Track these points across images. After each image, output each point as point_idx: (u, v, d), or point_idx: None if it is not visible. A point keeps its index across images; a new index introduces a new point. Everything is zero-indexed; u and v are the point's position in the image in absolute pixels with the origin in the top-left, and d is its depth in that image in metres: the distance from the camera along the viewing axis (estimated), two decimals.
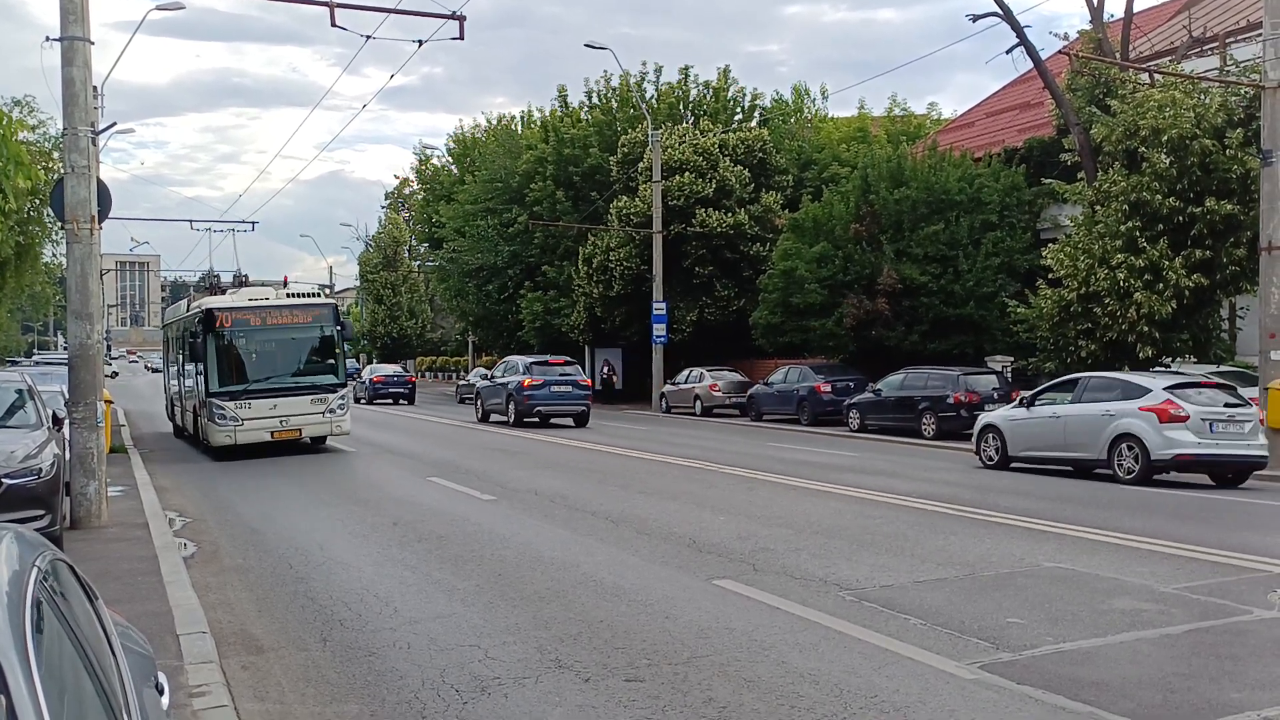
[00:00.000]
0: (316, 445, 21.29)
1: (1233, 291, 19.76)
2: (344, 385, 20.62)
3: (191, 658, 6.51)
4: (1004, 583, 8.67)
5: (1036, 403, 16.74)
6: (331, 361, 20.63)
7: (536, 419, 26.47)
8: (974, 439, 17.86)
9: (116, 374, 67.95)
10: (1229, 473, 15.24)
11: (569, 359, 29.32)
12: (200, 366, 20.04)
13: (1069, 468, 16.35)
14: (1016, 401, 17.58)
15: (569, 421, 27.04)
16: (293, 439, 20.13)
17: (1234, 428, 14.87)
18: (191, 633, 7.07)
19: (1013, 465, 17.03)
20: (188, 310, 23.42)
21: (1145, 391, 15.22)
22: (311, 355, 20.71)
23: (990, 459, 17.31)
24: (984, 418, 18.01)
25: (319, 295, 22.16)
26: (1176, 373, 17.05)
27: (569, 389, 26.44)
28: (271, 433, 19.53)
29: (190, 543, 11.21)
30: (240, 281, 24.34)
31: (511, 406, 26.63)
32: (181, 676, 6.04)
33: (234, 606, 8.35)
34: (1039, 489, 14.79)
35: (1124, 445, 15.12)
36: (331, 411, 20.00)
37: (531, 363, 26.98)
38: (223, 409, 19.17)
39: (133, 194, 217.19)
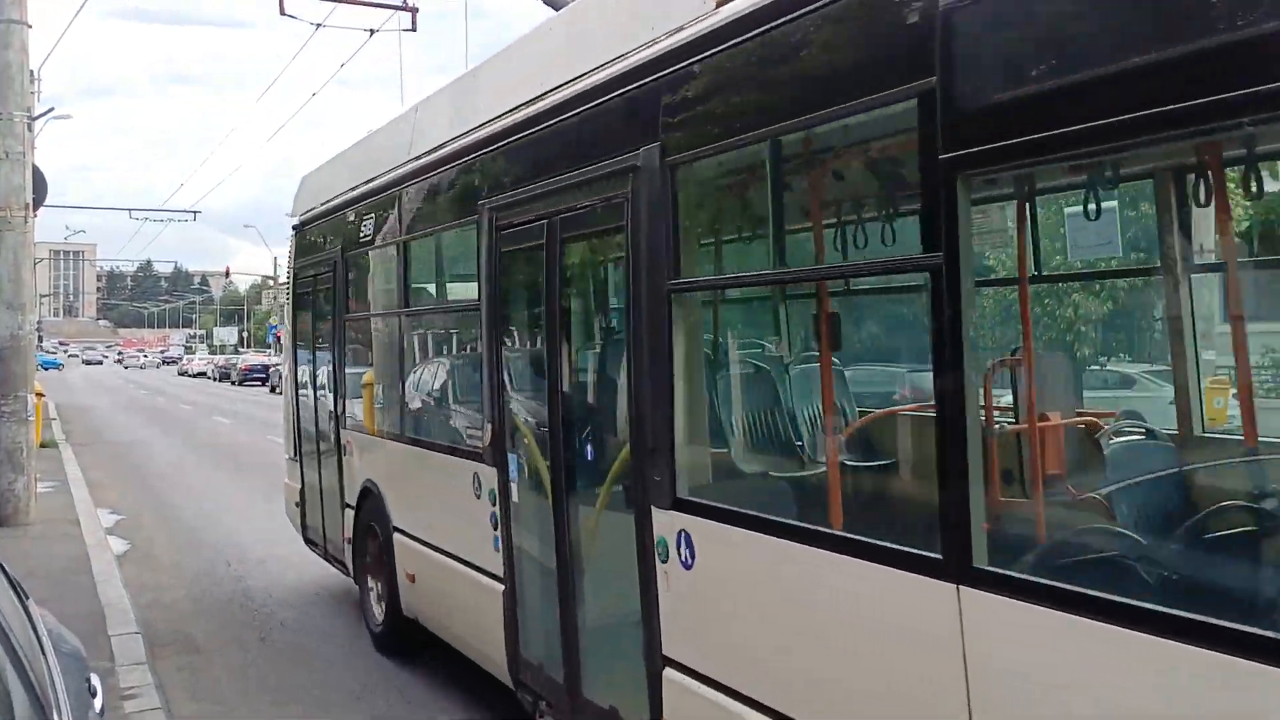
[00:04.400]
0: None
1: None
2: None
3: (124, 658, 6.34)
4: None
5: None
6: None
7: None
8: None
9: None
10: None
11: None
12: None
13: None
14: None
15: None
16: None
17: None
18: (124, 633, 6.89)
19: None
20: None
21: None
22: None
23: None
24: None
25: None
26: None
27: None
28: None
29: (124, 540, 10.94)
30: None
31: None
32: (113, 678, 5.88)
33: (170, 606, 8.16)
34: None
35: None
36: None
37: None
38: None
39: (69, 181, 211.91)
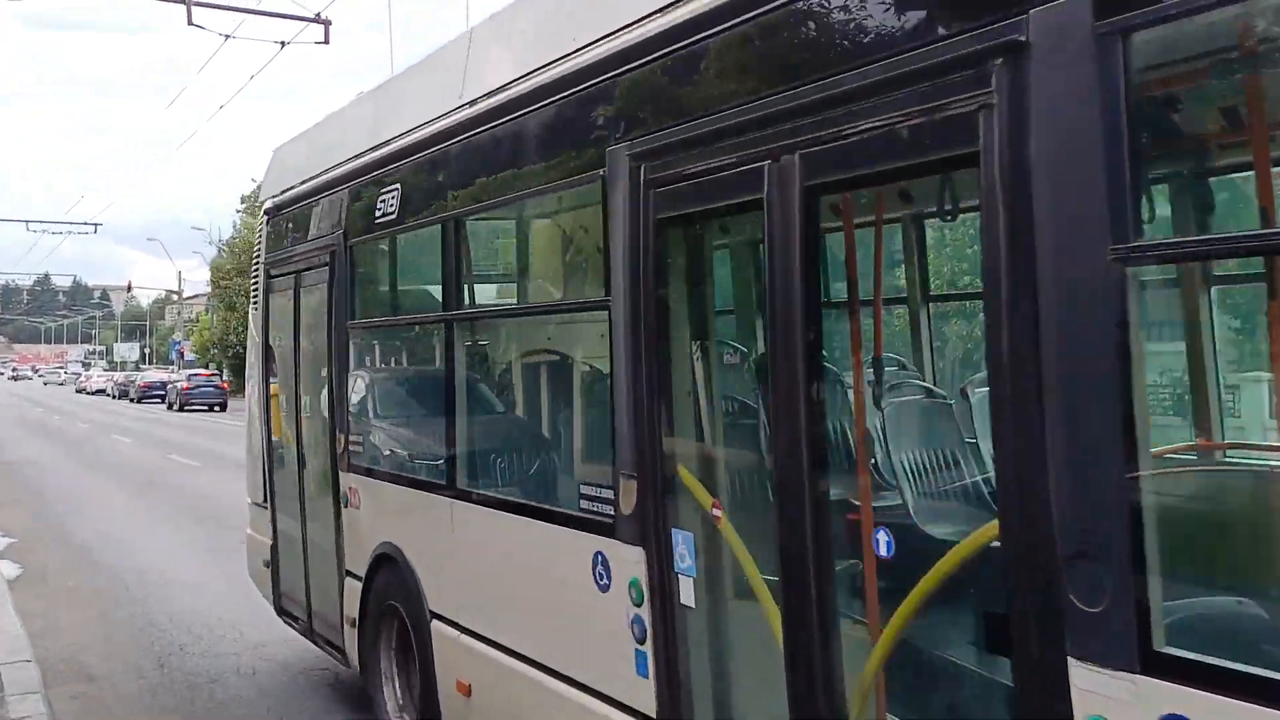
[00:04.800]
0: None
1: None
2: None
3: (14, 688, 6.09)
4: None
5: None
6: None
7: None
8: None
9: None
10: None
11: None
12: None
13: None
14: None
15: None
16: None
17: None
18: (15, 661, 6.62)
19: None
20: None
21: None
22: None
23: None
24: None
25: None
26: None
27: None
28: None
29: (16, 564, 10.51)
30: None
31: None
32: (2, 709, 5.66)
33: (65, 632, 7.86)
34: None
35: None
36: None
37: None
38: None
39: None
